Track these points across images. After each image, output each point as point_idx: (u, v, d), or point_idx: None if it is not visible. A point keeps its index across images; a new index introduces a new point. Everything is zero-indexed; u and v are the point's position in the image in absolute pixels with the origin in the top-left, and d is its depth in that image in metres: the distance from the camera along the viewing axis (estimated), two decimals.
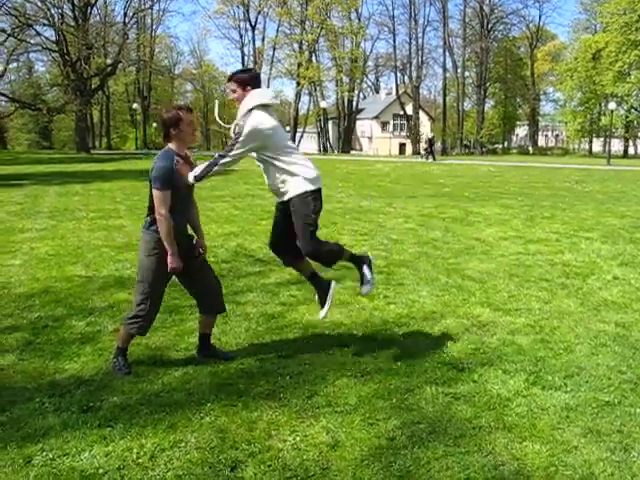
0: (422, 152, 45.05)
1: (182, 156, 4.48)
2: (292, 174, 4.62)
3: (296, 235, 4.73)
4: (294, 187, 4.62)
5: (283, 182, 4.64)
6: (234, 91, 4.64)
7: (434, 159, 42.58)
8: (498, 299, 6.53)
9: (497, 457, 3.48)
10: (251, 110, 4.54)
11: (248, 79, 4.65)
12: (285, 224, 4.79)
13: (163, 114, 4.51)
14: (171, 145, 4.46)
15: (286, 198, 4.68)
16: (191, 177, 4.49)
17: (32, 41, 50.81)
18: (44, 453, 3.47)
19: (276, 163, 4.60)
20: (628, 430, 3.79)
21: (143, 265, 4.56)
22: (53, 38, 48.53)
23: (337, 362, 4.81)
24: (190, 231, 4.80)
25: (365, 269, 4.99)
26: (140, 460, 3.42)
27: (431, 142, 44.87)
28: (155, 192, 4.35)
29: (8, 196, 16.00)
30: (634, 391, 4.34)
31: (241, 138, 4.48)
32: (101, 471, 3.31)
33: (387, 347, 5.14)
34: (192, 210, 4.80)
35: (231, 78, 4.70)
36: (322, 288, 4.94)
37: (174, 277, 4.72)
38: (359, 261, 5.04)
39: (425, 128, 75.89)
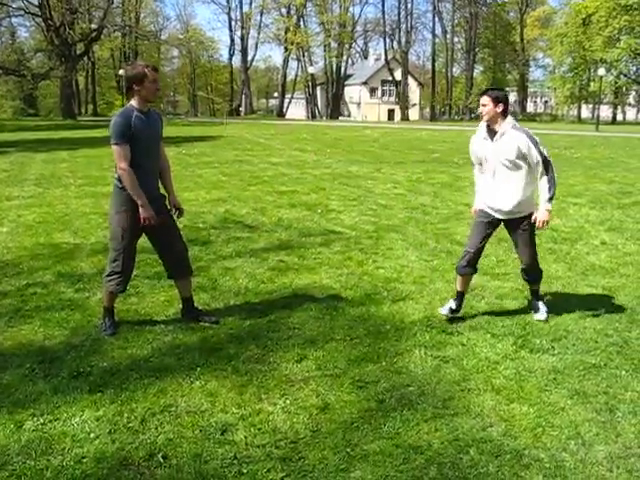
0: None
1: (144, 112, 4.44)
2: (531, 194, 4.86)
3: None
4: (529, 206, 4.82)
5: (524, 198, 4.78)
6: (484, 105, 4.72)
7: None
8: (486, 264, 6.55)
9: (485, 419, 3.52)
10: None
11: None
12: (487, 239, 4.98)
13: (128, 70, 4.50)
14: (133, 102, 4.44)
15: (518, 216, 4.82)
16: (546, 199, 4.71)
17: (14, 5, 49.70)
18: (35, 418, 3.48)
19: (528, 179, 4.79)
20: (614, 392, 3.85)
21: (113, 222, 4.56)
22: (36, 2, 47.46)
23: (326, 326, 4.84)
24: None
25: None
26: (131, 424, 3.44)
27: None
28: (113, 147, 4.35)
29: None
30: (620, 354, 4.40)
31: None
32: (92, 435, 3.32)
33: (376, 311, 5.17)
34: (162, 167, 4.75)
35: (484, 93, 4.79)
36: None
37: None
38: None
39: (414, 94, 75.28)
